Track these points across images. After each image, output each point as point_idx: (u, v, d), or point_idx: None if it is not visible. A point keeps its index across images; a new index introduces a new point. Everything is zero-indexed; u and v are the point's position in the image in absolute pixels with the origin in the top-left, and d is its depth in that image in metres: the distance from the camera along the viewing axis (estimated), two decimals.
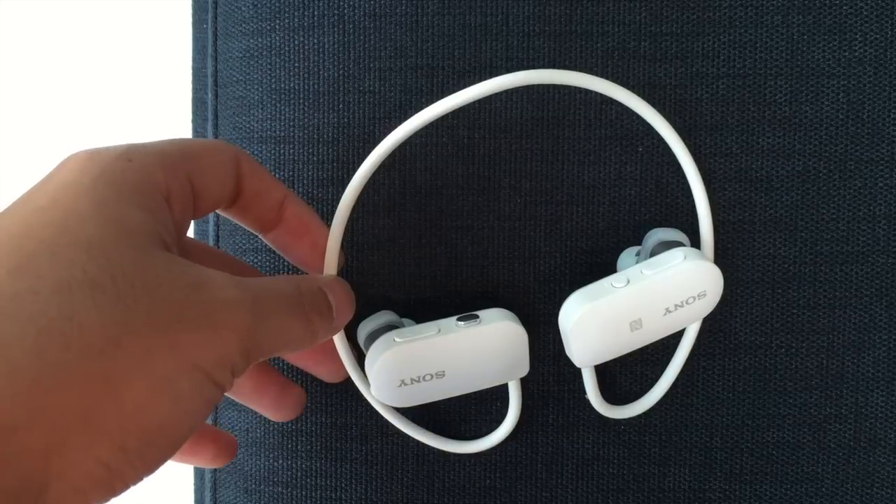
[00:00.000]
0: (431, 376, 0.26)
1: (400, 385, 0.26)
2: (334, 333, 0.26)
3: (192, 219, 0.23)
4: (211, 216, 0.32)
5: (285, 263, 0.31)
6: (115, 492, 0.18)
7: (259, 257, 0.31)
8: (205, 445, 0.27)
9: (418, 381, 0.26)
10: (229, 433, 0.28)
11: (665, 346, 0.29)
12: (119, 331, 0.17)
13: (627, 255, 0.29)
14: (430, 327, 0.26)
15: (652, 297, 0.25)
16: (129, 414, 0.17)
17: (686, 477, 0.30)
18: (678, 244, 0.27)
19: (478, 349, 0.26)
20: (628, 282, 0.26)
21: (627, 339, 0.26)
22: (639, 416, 0.30)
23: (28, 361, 0.16)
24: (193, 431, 0.19)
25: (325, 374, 0.29)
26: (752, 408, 0.30)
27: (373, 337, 0.27)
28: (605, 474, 0.30)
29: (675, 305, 0.26)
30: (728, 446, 0.30)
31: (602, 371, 0.30)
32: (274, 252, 0.30)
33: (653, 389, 0.29)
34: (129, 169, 0.20)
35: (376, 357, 0.26)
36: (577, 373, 0.30)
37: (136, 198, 0.20)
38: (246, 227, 0.27)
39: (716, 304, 0.27)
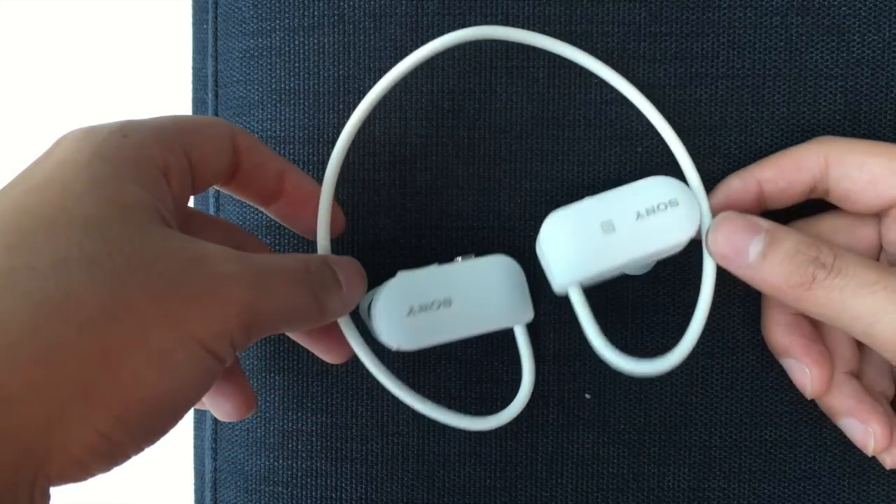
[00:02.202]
0: (439, 304, 0.26)
1: (409, 314, 0.26)
2: (347, 311, 0.25)
3: (192, 193, 0.23)
4: (210, 192, 0.32)
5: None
6: (116, 462, 0.18)
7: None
8: (226, 397, 0.27)
9: (427, 310, 0.26)
10: (251, 389, 0.27)
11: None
12: (115, 305, 0.17)
13: None
14: (430, 266, 0.27)
15: (621, 202, 0.26)
16: (127, 386, 0.18)
17: (685, 476, 0.30)
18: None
19: (479, 278, 0.27)
20: (599, 194, 0.27)
21: (603, 245, 0.26)
22: (638, 415, 0.30)
23: (26, 336, 0.16)
24: (195, 402, 0.20)
25: (324, 350, 0.28)
26: (750, 406, 0.30)
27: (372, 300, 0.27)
28: (605, 474, 0.30)
29: (647, 210, 0.26)
30: (727, 445, 0.30)
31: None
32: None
33: (682, 341, 0.26)
34: (125, 145, 0.20)
35: (382, 289, 0.26)
36: (577, 372, 0.30)
37: (132, 174, 0.20)
38: (248, 202, 0.27)
39: (696, 223, 0.26)
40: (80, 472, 0.17)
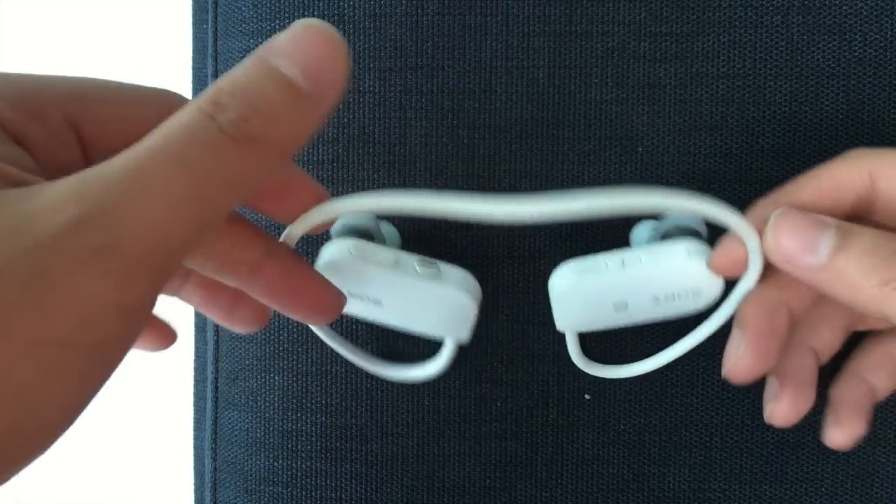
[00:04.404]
0: (368, 299, 0.26)
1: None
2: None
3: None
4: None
5: None
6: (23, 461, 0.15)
7: None
8: (148, 333, 0.25)
9: (356, 298, 0.26)
10: (167, 323, 0.26)
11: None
12: None
13: (644, 226, 0.28)
14: (390, 256, 0.25)
15: (642, 285, 0.25)
16: None
17: (686, 477, 0.30)
18: (694, 232, 0.26)
19: (421, 300, 0.26)
20: (623, 264, 0.25)
21: (611, 317, 0.26)
22: (638, 416, 0.30)
23: None
24: (95, 393, 0.15)
25: (305, 309, 0.23)
26: (751, 407, 0.30)
27: (341, 232, 0.26)
28: (605, 474, 0.30)
29: (666, 297, 0.25)
30: (728, 446, 0.30)
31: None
32: None
33: (645, 360, 0.29)
34: None
35: (324, 256, 0.25)
36: (577, 373, 0.30)
37: None
38: None
39: (714, 299, 0.26)
40: None
